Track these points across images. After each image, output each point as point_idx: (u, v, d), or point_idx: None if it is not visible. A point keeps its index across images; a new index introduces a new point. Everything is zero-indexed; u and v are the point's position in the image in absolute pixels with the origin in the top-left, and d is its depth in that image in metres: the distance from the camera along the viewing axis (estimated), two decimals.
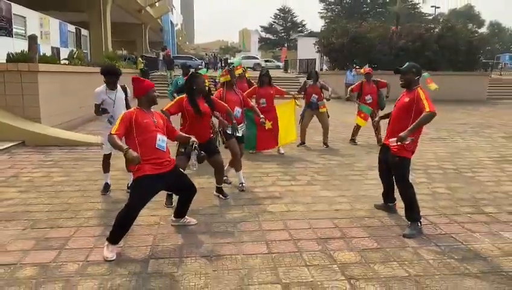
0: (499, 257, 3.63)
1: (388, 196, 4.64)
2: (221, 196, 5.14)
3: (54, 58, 11.55)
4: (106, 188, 5.31)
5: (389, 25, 25.39)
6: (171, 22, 44.95)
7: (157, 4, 35.81)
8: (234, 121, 5.10)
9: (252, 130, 7.15)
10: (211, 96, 4.99)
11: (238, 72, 7.13)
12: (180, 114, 4.78)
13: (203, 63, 34.19)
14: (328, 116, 8.60)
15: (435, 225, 4.34)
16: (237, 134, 5.34)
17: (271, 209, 4.80)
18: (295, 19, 67.69)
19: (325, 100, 8.47)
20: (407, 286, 3.13)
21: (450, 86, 19.83)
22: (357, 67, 19.91)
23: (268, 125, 6.48)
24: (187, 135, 4.20)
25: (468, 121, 13.15)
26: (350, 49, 21.15)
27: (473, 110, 16.24)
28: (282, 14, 67.65)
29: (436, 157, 7.73)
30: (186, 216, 4.27)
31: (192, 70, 7.41)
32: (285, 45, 57.94)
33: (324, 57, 25.40)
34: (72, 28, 20.60)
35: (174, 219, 4.26)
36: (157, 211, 4.58)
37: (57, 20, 18.48)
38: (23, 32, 15.05)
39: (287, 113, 7.98)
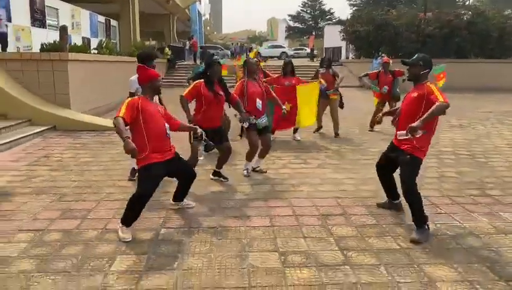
0: (493, 234, 3.76)
1: (391, 192, 4.30)
2: (221, 179, 5.25)
3: (84, 47, 12.08)
4: (133, 173, 5.37)
5: (420, 11, 24.79)
6: (198, 11, 45.37)
7: None
8: (244, 111, 5.12)
9: (270, 117, 6.98)
10: (226, 86, 5.06)
11: (251, 54, 7.36)
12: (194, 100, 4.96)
13: (229, 52, 34.46)
14: (342, 106, 8.55)
15: (436, 205, 4.48)
16: (259, 126, 5.33)
17: (279, 189, 5.06)
18: (323, 6, 66.84)
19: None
20: (397, 256, 3.33)
21: (479, 74, 19.32)
22: (383, 55, 19.69)
23: (287, 107, 6.62)
24: (190, 125, 4.33)
25: (494, 110, 12.86)
26: (376, 37, 20.90)
27: (503, 99, 15.80)
28: (310, 2, 66.93)
29: (453, 144, 7.74)
30: (184, 199, 4.34)
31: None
32: (313, 33, 57.40)
33: (350, 45, 25.14)
34: (102, 18, 21.27)
35: (172, 202, 4.33)
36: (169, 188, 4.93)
37: (87, 12, 19.14)
38: (56, 23, 15.72)
39: (309, 96, 7.68)
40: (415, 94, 3.72)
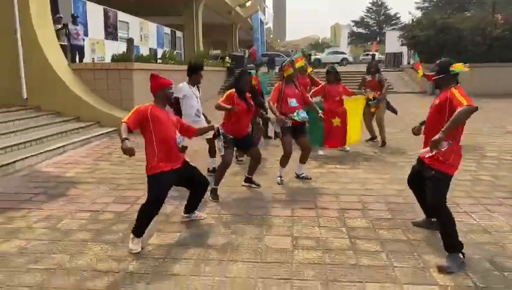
0: (506, 232, 3.86)
1: (426, 209, 3.90)
2: (253, 185, 5.31)
3: (149, 57, 13.25)
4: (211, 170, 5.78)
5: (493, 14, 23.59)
6: (260, 20, 46.49)
7: (247, 4, 37.51)
8: (268, 115, 5.31)
9: (319, 125, 6.73)
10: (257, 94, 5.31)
11: (298, 64, 6.85)
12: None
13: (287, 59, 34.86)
14: (395, 112, 8.12)
15: (458, 204, 4.60)
16: (297, 118, 5.23)
17: (306, 185, 5.43)
18: (388, 11, 65.30)
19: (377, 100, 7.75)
20: (401, 246, 3.59)
21: None
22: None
23: (336, 122, 6.76)
24: (208, 125, 4.43)
25: None
26: (437, 41, 20.26)
27: None
28: (374, 8, 65.71)
29: (499, 149, 7.56)
30: (195, 211, 4.26)
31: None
32: (378, 38, 56.24)
33: (411, 50, 24.51)
34: (168, 30, 22.86)
35: (184, 215, 4.25)
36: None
37: (154, 24, 20.73)
38: (126, 35, 17.30)
39: (354, 111, 7.40)
40: (437, 101, 3.43)
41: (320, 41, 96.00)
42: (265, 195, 5.06)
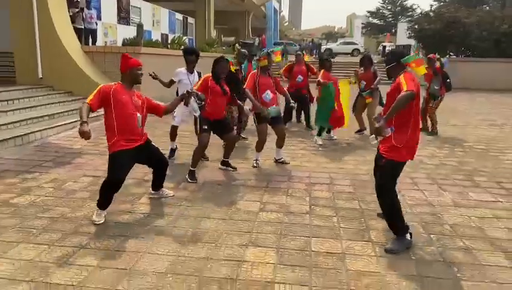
0: (447, 206, 4.42)
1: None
2: (229, 168, 5.54)
3: (157, 42, 13.88)
4: (172, 153, 6.10)
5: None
6: (274, 8, 46.71)
7: None
8: (246, 108, 5.53)
9: (330, 104, 7.08)
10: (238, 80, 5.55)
11: (277, 59, 7.15)
12: None
13: (299, 48, 35.14)
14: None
15: (415, 183, 5.16)
16: (270, 114, 5.54)
17: (285, 166, 6.02)
18: (405, 3, 64.53)
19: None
20: (353, 213, 4.19)
21: None
22: (452, 54, 19.29)
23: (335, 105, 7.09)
24: (177, 98, 4.37)
25: None
26: (443, 35, 20.45)
27: None
28: None
29: (476, 139, 8.03)
30: (163, 189, 4.47)
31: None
32: (393, 30, 55.82)
33: (419, 43, 24.68)
34: (179, 16, 23.39)
35: (152, 191, 4.47)
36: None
37: (166, 10, 21.28)
38: (139, 20, 17.92)
39: (342, 95, 7.52)
40: (389, 90, 3.50)
41: (336, 30, 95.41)
42: (243, 172, 5.62)
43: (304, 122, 9.04)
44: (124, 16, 16.87)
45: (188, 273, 2.98)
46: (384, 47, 33.85)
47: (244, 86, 5.75)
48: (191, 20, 25.44)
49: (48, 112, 8.48)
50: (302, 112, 9.19)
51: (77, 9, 12.55)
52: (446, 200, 4.59)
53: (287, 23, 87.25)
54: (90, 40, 13.33)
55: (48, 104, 9.16)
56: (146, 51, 11.43)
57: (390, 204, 3.44)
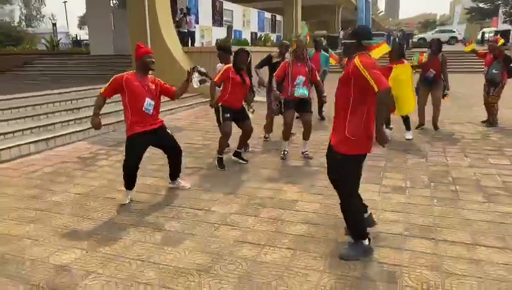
0: (460, 167, 5.33)
1: None
2: (240, 161, 5.64)
3: (245, 41, 15.73)
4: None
5: None
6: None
7: None
8: (277, 92, 5.51)
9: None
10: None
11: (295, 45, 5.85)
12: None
13: (386, 38, 34.49)
14: (444, 96, 7.42)
15: (444, 152, 6.06)
16: (297, 95, 5.46)
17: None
18: None
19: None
20: (303, 170, 5.34)
21: None
22: None
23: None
24: (183, 82, 4.40)
25: None
26: None
27: None
28: None
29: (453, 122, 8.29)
30: (179, 179, 4.62)
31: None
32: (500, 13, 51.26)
33: None
34: (268, 15, 25.22)
35: (170, 181, 4.64)
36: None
37: (256, 10, 23.24)
38: (230, 22, 20.09)
39: (403, 79, 6.53)
40: (342, 75, 3.00)
41: (438, 18, 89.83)
42: (276, 164, 5.99)
43: None
44: (217, 18, 19.13)
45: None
46: (483, 33, 31.94)
47: (274, 74, 5.75)
48: (279, 17, 27.14)
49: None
50: None
51: (181, 15, 14.98)
52: (463, 163, 5.49)
53: (382, 13, 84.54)
54: (190, 41, 15.69)
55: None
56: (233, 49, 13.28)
57: (355, 211, 3.13)
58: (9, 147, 6.10)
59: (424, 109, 7.60)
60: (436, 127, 7.57)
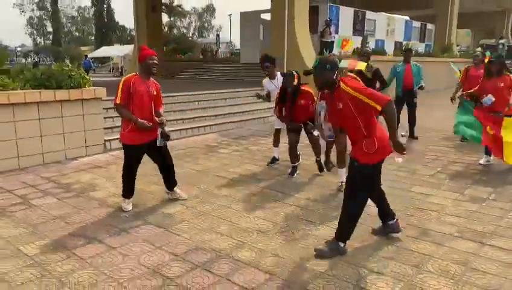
0: None
1: (384, 212, 3.59)
2: (321, 171, 5.63)
3: (380, 51, 15.77)
4: (273, 160, 6.12)
5: None
6: None
7: None
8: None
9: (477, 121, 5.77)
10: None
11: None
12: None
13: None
14: None
15: None
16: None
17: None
18: None
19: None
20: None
21: None
22: None
23: (489, 129, 5.49)
24: (158, 120, 4.14)
25: None
26: None
27: None
28: None
29: None
30: (176, 190, 4.53)
31: None
32: None
33: None
34: (417, 23, 24.19)
35: (167, 191, 4.57)
36: None
37: (403, 19, 22.63)
38: (372, 31, 20.12)
39: None
40: (340, 106, 3.11)
41: None
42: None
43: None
44: (358, 28, 19.42)
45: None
46: None
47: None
48: (430, 26, 25.74)
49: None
50: None
51: (325, 26, 15.93)
52: None
53: None
54: (328, 50, 16.45)
55: None
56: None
57: (352, 217, 3.29)
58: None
59: None
60: None
